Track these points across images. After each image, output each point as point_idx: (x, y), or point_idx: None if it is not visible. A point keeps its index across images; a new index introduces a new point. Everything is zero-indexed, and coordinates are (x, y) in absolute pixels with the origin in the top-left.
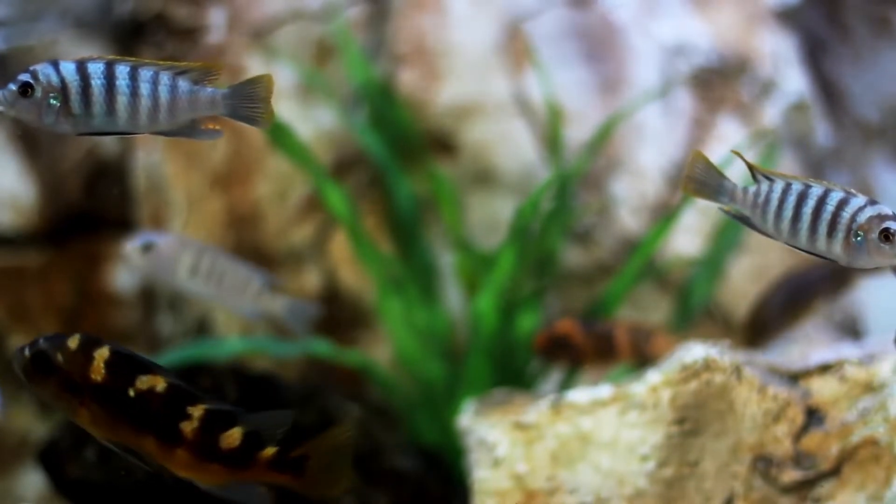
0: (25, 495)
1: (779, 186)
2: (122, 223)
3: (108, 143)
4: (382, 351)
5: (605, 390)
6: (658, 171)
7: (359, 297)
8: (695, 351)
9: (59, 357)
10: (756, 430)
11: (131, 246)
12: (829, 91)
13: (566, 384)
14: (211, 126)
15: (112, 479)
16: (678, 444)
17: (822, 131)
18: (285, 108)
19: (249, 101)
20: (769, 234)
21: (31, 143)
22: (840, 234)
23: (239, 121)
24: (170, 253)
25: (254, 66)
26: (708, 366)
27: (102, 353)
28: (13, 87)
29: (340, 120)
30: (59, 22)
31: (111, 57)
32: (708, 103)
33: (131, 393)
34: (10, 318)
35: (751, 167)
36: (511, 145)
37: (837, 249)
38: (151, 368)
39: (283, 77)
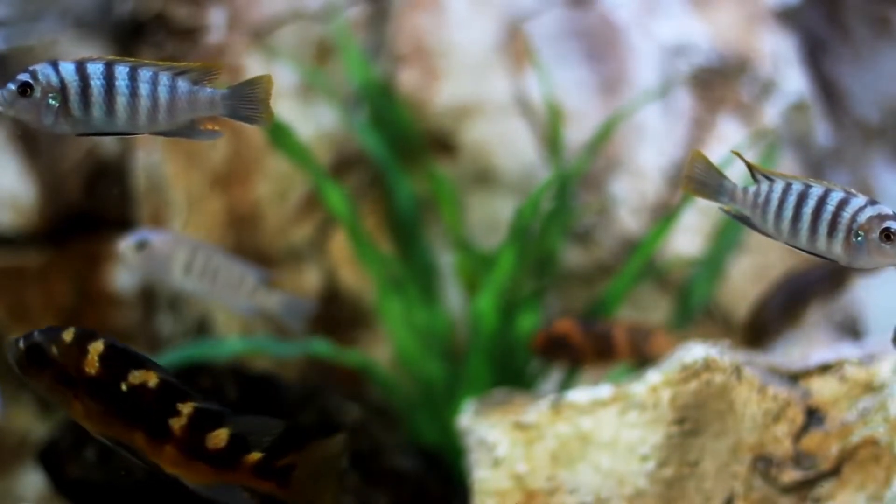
0: (25, 495)
1: (779, 186)
2: (122, 223)
3: (108, 143)
4: (382, 351)
5: (605, 390)
6: (658, 171)
7: (359, 297)
8: (695, 351)
9: (54, 350)
10: (756, 430)
11: (125, 244)
12: (829, 91)
13: (566, 384)
14: (210, 126)
15: (112, 479)
16: (678, 444)
17: (822, 131)
18: (285, 108)
19: (249, 101)
20: (769, 234)
21: (31, 143)
22: (840, 234)
23: (238, 121)
24: (164, 250)
25: (254, 66)
26: (708, 366)
27: (97, 347)
28: (12, 87)
29: (340, 120)
30: (59, 22)
31: (111, 57)
32: (708, 103)
33: (124, 387)
34: (10, 318)
35: (750, 167)
36: (511, 145)
37: (838, 249)
38: (145, 363)
39: (283, 77)
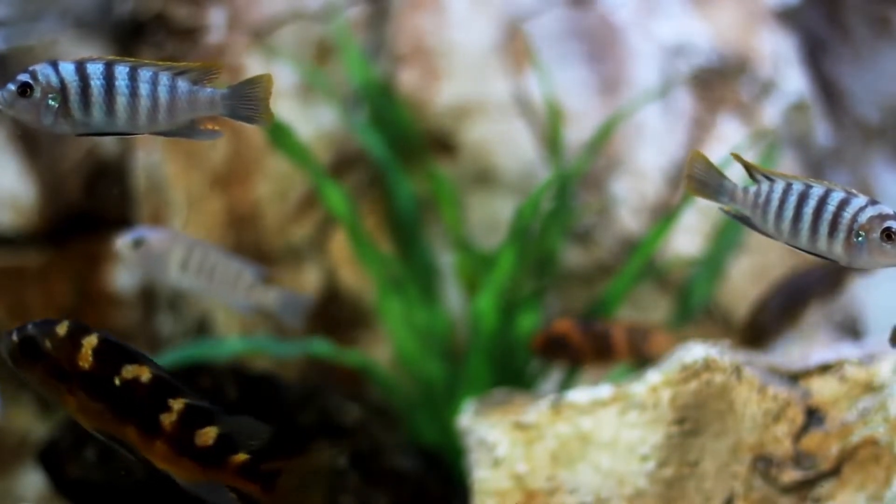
0: (25, 495)
1: (779, 186)
2: (122, 223)
3: (108, 143)
4: (382, 351)
5: (605, 390)
6: (658, 171)
7: (359, 297)
8: (695, 351)
9: (48, 343)
10: (756, 430)
11: (122, 241)
12: (829, 91)
13: (566, 384)
14: (210, 126)
15: (112, 479)
16: (678, 444)
17: (822, 131)
18: (285, 107)
19: (249, 101)
20: (770, 234)
21: (31, 143)
22: (841, 235)
23: (238, 121)
24: (160, 248)
25: (254, 66)
26: (708, 366)
27: (90, 341)
28: (12, 87)
29: (340, 120)
30: (59, 22)
31: (110, 57)
32: (708, 103)
33: (117, 382)
34: (10, 318)
35: (748, 167)
36: (511, 145)
37: (838, 249)
38: (138, 358)
39: (283, 77)
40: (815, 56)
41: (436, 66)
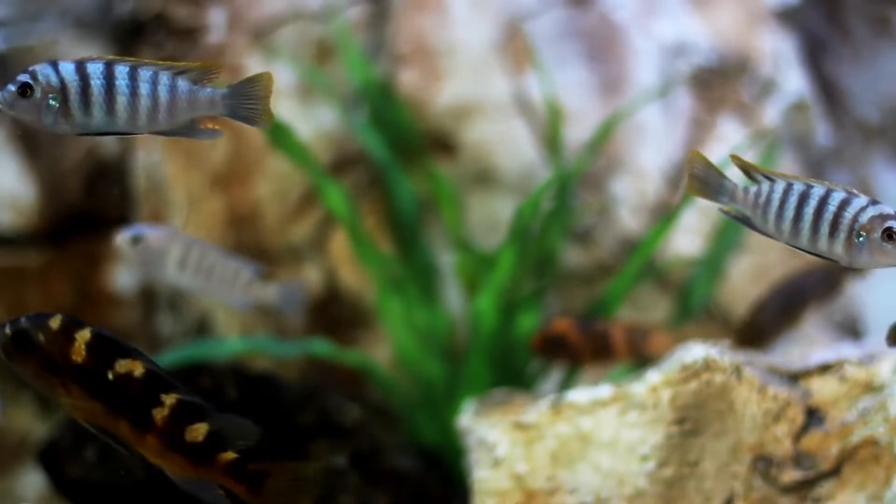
0: (25, 495)
1: (780, 187)
2: (123, 223)
3: (108, 143)
4: (382, 351)
5: (605, 390)
6: (658, 171)
7: (359, 297)
8: (695, 351)
9: (41, 336)
10: (756, 430)
11: (121, 238)
12: (829, 91)
13: (566, 384)
14: (210, 126)
15: (112, 479)
16: (678, 444)
17: (822, 131)
18: (285, 107)
19: (249, 100)
20: (770, 234)
21: (31, 143)
22: (842, 235)
23: (238, 120)
24: (158, 245)
25: (254, 66)
26: (708, 366)
27: (83, 335)
28: (12, 87)
29: (340, 120)
30: (59, 22)
31: (110, 57)
32: (708, 103)
33: (110, 376)
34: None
35: (746, 168)
36: (511, 145)
37: (839, 250)
38: (131, 353)
39: (283, 77)
40: (815, 56)
41: (436, 67)
